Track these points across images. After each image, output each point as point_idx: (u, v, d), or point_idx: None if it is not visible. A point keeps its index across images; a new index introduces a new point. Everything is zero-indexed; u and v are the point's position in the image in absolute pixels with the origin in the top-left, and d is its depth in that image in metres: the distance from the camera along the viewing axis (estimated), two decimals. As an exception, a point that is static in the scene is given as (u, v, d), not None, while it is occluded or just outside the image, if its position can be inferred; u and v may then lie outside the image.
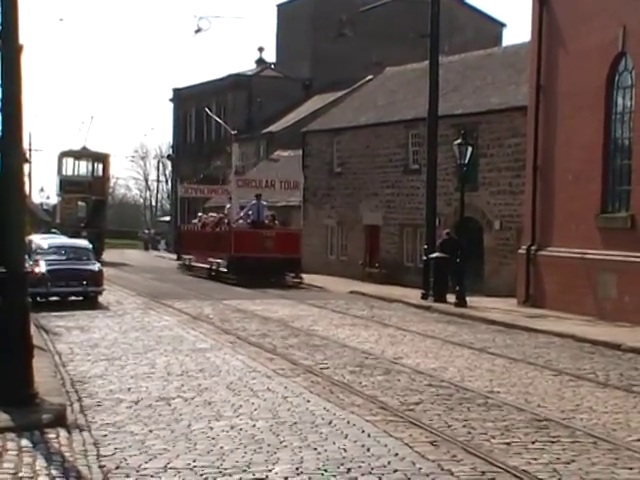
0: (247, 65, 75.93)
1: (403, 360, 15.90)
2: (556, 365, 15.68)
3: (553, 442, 10.08)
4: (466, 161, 26.44)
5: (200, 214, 43.59)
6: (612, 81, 22.99)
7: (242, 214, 36.73)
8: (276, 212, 39.57)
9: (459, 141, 26.54)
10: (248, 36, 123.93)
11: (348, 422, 10.81)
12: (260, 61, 68.42)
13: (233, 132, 40.57)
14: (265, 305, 26.17)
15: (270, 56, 68.58)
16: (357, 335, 19.53)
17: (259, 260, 33.56)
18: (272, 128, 59.20)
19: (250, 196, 37.33)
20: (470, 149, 26.56)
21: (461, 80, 35.74)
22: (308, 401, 12.03)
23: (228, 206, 38.76)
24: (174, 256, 62.72)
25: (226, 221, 37.58)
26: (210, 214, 41.91)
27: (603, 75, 23.01)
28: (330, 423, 10.74)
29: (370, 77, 48.33)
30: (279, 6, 66.72)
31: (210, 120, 67.65)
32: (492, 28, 60.83)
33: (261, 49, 69.25)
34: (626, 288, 21.70)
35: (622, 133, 22.87)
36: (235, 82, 63.82)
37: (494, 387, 13.39)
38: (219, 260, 35.96)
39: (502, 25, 62.75)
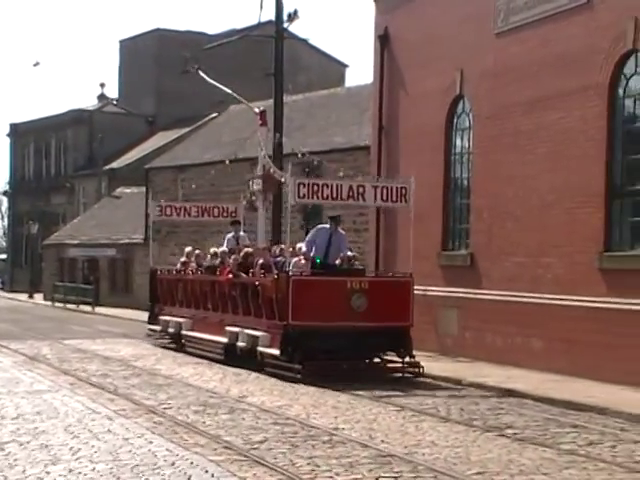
0: (89, 100, 74.70)
1: (248, 398, 15.74)
2: (399, 401, 15.83)
3: (396, 477, 10.10)
4: (311, 199, 26.51)
5: (189, 248, 26.95)
6: (451, 123, 23.65)
7: (304, 246, 20.28)
8: (117, 250, 38.21)
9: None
10: (90, 71, 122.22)
11: (192, 462, 10.55)
12: (102, 96, 67.39)
13: (259, 110, 26.04)
14: (107, 344, 25.59)
15: (113, 92, 67.73)
16: (201, 374, 19.24)
17: (342, 334, 18.65)
18: (114, 164, 58.28)
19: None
20: (314, 187, 26.67)
21: (306, 119, 36.10)
22: (150, 442, 11.70)
23: (229, 236, 24.69)
24: (10, 295, 60.83)
25: (260, 262, 20.77)
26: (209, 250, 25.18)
27: (442, 117, 23.64)
28: (173, 464, 10.46)
29: (215, 114, 48.31)
30: (122, 42, 66.00)
31: (50, 156, 66.02)
32: (335, 68, 61.95)
33: (102, 84, 68.19)
34: (466, 324, 22.22)
35: (461, 173, 23.53)
36: (76, 117, 62.60)
37: (339, 424, 13.38)
38: (256, 332, 19.87)
39: (345, 66, 64.03)
